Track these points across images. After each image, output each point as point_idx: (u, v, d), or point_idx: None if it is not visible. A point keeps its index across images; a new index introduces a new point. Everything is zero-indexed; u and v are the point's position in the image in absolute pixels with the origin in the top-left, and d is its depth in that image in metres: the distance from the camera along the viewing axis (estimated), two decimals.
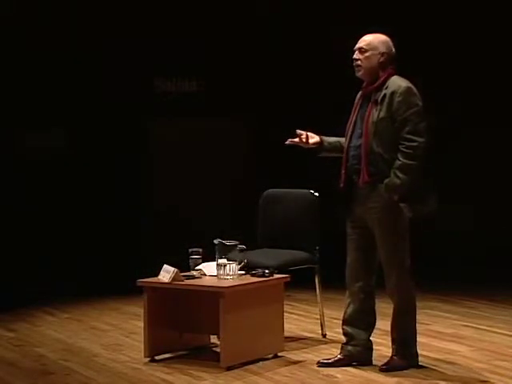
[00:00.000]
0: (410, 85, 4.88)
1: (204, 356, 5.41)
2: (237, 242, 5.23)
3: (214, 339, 5.66)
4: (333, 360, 5.10)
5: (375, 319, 5.12)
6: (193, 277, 5.32)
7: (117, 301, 7.58)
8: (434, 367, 5.04)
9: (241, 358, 5.13)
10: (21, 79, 8.79)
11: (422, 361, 5.13)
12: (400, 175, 4.75)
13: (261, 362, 5.19)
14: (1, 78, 8.66)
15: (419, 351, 5.08)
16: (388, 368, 4.94)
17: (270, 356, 5.32)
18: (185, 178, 9.54)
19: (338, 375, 4.90)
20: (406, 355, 4.99)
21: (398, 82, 4.88)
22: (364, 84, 5.04)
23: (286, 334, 5.55)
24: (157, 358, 5.34)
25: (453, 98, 9.14)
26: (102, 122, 9.20)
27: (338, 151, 5.13)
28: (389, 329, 5.08)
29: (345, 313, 5.10)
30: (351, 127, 5.02)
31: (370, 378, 4.83)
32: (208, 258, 5.45)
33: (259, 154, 9.68)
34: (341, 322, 5.16)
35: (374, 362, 5.09)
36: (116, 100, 9.14)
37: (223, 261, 5.21)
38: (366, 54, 4.94)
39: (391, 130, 4.81)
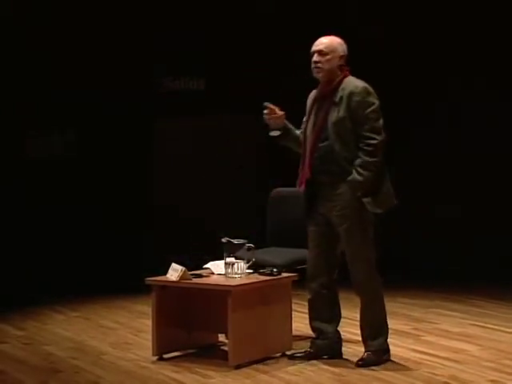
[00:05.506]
0: (366, 84, 5.01)
1: (212, 354, 5.42)
2: (245, 241, 5.23)
3: (222, 338, 5.66)
4: (303, 354, 5.22)
5: (340, 311, 5.23)
6: (201, 275, 5.33)
7: (125, 299, 7.60)
8: (442, 366, 5.03)
9: (249, 356, 5.13)
10: (21, 80, 8.79)
11: (430, 359, 5.14)
12: (362, 172, 4.88)
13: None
14: (1, 79, 8.68)
15: (427, 350, 5.09)
16: (364, 363, 5.00)
17: (279, 355, 5.32)
18: (191, 176, 9.54)
19: (347, 373, 4.90)
20: (378, 350, 5.04)
21: (354, 83, 5.00)
22: (320, 85, 5.12)
23: (295, 332, 5.54)
24: (165, 356, 5.35)
25: None
26: (104, 122, 9.20)
27: (296, 142, 5.26)
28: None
29: (310, 310, 5.21)
30: (311, 128, 5.09)
31: (380, 376, 4.83)
32: (216, 256, 5.47)
33: (268, 153, 9.66)
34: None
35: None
36: (119, 100, 9.15)
37: (231, 259, 5.22)
38: (327, 57, 5.02)
39: (350, 129, 4.94)
